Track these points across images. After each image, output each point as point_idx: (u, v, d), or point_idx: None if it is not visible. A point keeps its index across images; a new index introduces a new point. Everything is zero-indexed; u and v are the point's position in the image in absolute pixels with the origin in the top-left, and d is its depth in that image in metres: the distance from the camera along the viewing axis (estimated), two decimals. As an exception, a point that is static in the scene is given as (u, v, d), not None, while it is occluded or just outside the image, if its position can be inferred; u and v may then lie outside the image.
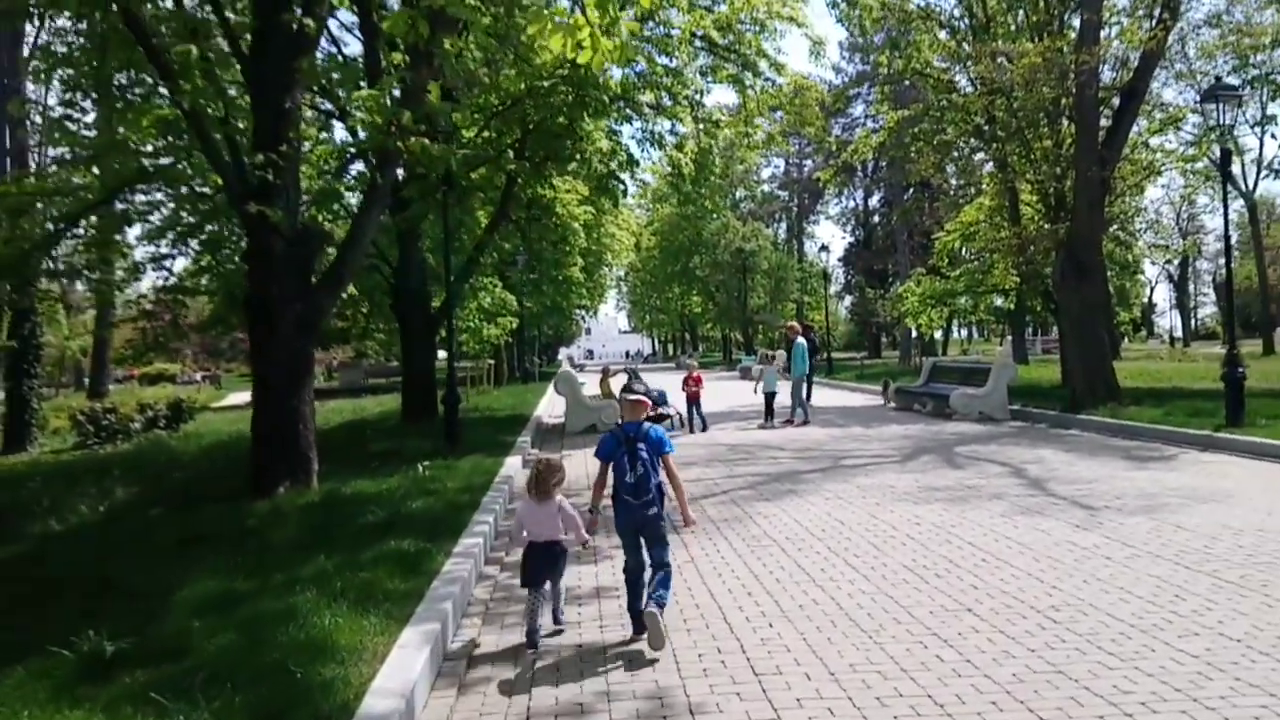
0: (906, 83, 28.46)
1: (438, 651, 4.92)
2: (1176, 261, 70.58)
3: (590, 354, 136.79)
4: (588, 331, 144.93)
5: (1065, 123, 21.17)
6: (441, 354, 19.92)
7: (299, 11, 9.17)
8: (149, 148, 10.09)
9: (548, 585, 5.57)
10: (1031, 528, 7.92)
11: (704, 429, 17.10)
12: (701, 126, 18.05)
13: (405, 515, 8.20)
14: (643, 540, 5.48)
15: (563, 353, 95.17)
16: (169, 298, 14.00)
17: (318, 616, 5.14)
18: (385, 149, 9.90)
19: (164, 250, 14.73)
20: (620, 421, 5.65)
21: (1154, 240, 36.00)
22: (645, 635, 5.16)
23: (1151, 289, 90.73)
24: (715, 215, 57.43)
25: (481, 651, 5.29)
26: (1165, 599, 5.76)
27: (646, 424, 5.52)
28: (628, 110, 15.73)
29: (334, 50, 16.36)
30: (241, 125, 9.74)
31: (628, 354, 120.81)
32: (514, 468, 11.76)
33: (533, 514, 5.59)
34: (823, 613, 5.72)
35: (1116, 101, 18.68)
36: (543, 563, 5.51)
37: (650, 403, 5.92)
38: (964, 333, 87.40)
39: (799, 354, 18.59)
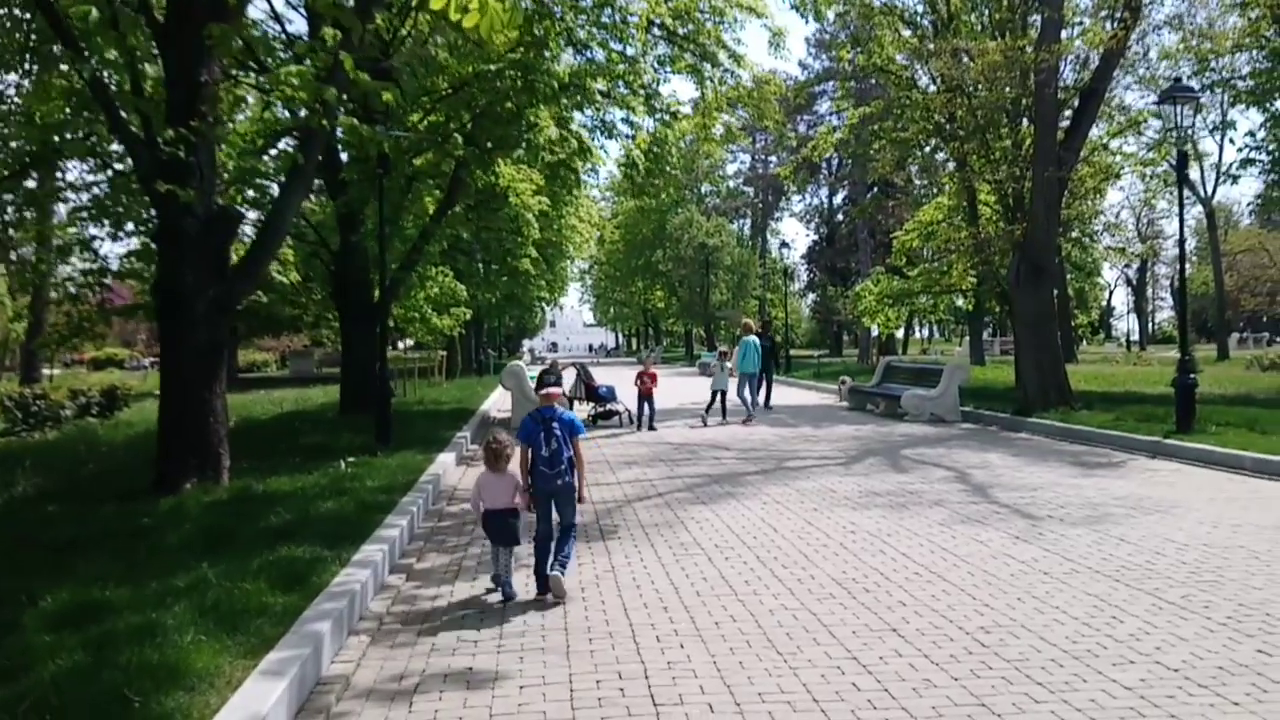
0: (871, 80, 28.28)
1: (306, 679, 4.45)
2: (1135, 265, 71.29)
3: (554, 346, 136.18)
4: (552, 324, 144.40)
5: (1025, 123, 21.00)
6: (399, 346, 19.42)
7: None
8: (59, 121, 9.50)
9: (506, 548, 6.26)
10: (970, 538, 7.60)
11: (651, 427, 16.65)
12: (657, 117, 17.62)
13: (313, 517, 7.72)
14: (554, 504, 6.24)
15: (525, 345, 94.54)
16: (94, 281, 13.36)
17: (180, 634, 4.66)
18: (308, 127, 9.38)
19: (94, 232, 14.12)
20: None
21: (1112, 243, 36.08)
22: (549, 595, 6.03)
23: (1110, 292, 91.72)
24: (674, 208, 57.18)
25: (359, 678, 4.84)
26: (1102, 621, 5.42)
27: (560, 409, 6.36)
28: (578, 98, 15.24)
29: (276, 27, 15.83)
30: (154, 99, 9.16)
31: (591, 347, 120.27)
32: (445, 465, 11.28)
33: (490, 485, 6.29)
34: (739, 631, 5.33)
35: (1076, 102, 18.49)
36: (502, 527, 6.24)
37: (560, 394, 6.54)
38: (925, 332, 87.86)
39: (744, 351, 18.40)
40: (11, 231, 12.31)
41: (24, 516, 8.19)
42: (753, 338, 18.89)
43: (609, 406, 17.64)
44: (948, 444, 13.99)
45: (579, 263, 67.47)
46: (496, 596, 6.17)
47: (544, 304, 51.29)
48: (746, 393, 18.16)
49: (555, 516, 6.24)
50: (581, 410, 18.47)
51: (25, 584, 5.77)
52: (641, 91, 16.42)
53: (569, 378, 18.92)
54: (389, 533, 7.20)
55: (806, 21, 16.06)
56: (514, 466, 6.29)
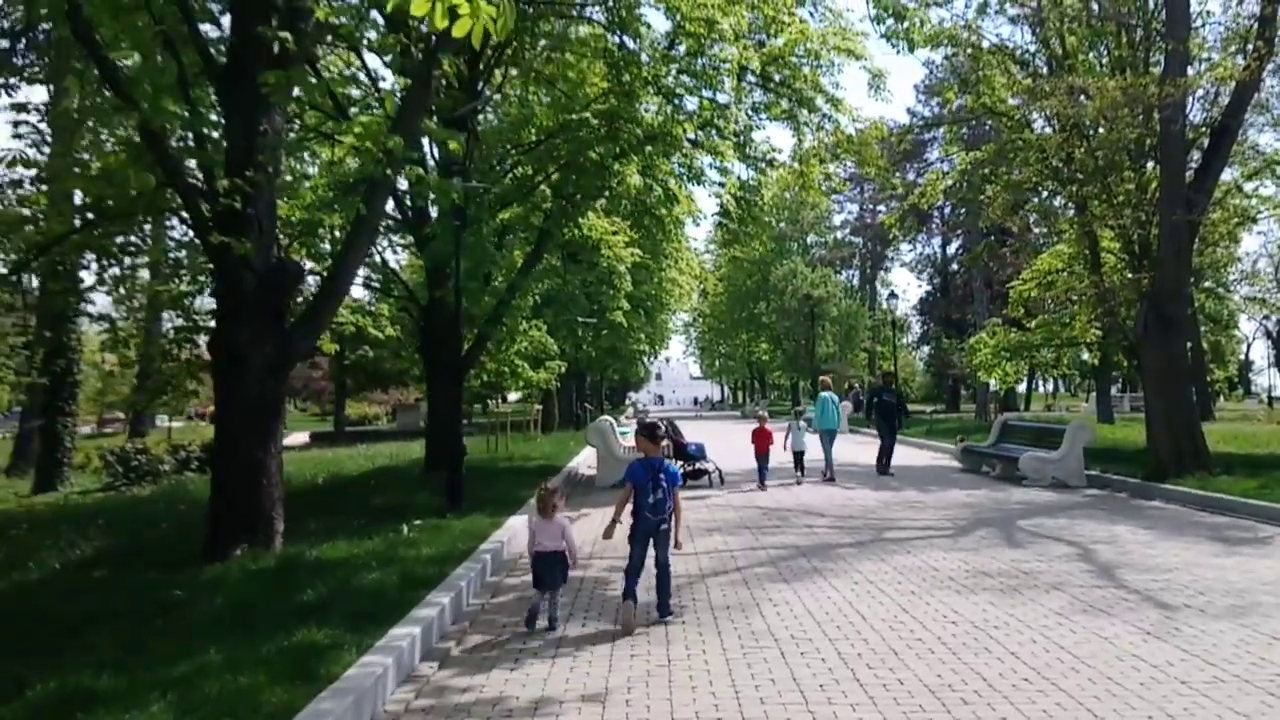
0: (984, 125, 27.09)
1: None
2: (1275, 317, 66.83)
3: (660, 399, 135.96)
4: (658, 377, 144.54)
5: (1150, 165, 19.57)
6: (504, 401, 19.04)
7: (278, 27, 8.38)
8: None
9: (551, 590, 6.91)
10: (1092, 633, 6.50)
11: (762, 486, 16.01)
12: (749, 164, 16.98)
13: (353, 590, 7.14)
14: (652, 542, 7.01)
15: (630, 397, 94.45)
16: (180, 337, 13.33)
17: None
18: (373, 178, 9.01)
19: (184, 288, 14.16)
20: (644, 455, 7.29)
21: (1250, 293, 33.57)
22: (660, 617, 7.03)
23: (1248, 345, 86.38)
24: (779, 259, 56.24)
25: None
26: (1261, 757, 4.36)
27: (666, 460, 7.22)
28: (665, 145, 14.68)
29: (363, 78, 15.82)
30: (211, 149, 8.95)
31: (696, 400, 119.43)
32: (514, 529, 10.62)
33: (542, 529, 6.98)
34: (803, 756, 4.46)
35: (1206, 142, 17.05)
36: (548, 569, 6.87)
37: (664, 443, 7.55)
38: (1049, 386, 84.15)
39: (822, 408, 18.22)
40: (101, 288, 12.31)
41: (58, 584, 7.87)
42: (830, 393, 18.69)
43: (698, 465, 16.77)
44: (1070, 513, 12.68)
45: (681, 315, 67.12)
46: (527, 684, 5.44)
47: (644, 357, 50.82)
48: (831, 450, 17.76)
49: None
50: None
51: (24, 665, 5.31)
52: (733, 137, 15.78)
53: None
54: (426, 612, 6.54)
55: (899, 52, 15.20)
56: (560, 515, 7.05)
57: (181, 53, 8.87)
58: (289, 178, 9.99)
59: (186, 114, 8.64)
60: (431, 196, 15.48)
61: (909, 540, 10.60)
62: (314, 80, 8.26)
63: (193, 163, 8.90)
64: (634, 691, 5.45)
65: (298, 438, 43.00)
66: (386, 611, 6.47)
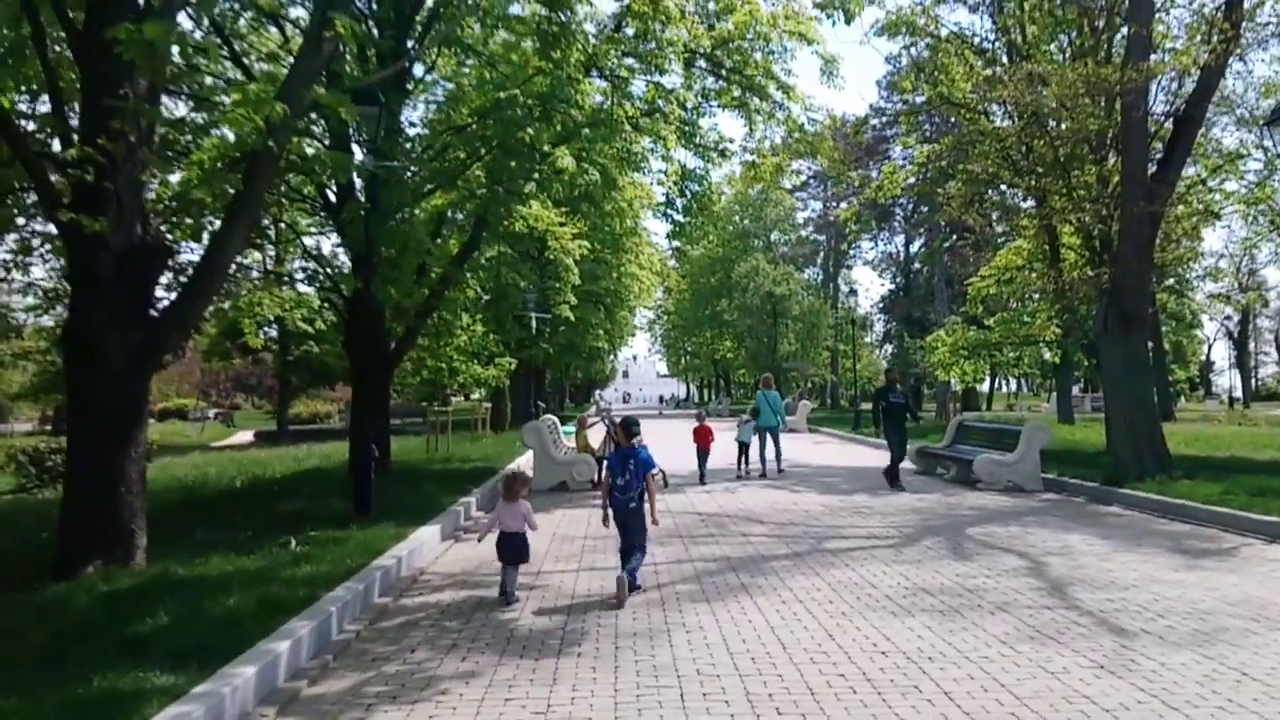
0: (944, 119, 26.49)
1: None
2: (1236, 318, 67.17)
3: (626, 398, 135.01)
4: (625, 375, 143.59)
5: (1111, 158, 18.99)
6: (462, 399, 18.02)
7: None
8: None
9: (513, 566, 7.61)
10: (1038, 666, 5.72)
11: (701, 480, 16.49)
12: (695, 151, 16.15)
13: (202, 617, 6.21)
14: (625, 527, 7.77)
15: (596, 394, 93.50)
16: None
17: None
18: (254, 151, 8.06)
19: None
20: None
21: (1215, 289, 33.18)
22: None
23: (1209, 346, 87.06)
24: (736, 253, 55.59)
25: None
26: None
27: (639, 447, 7.91)
28: (604, 130, 13.79)
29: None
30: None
31: (661, 398, 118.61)
32: (422, 541, 9.71)
33: (505, 511, 7.65)
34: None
35: (1170, 131, 16.45)
36: (512, 548, 7.57)
37: (634, 439, 7.98)
38: (1011, 386, 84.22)
39: (760, 405, 18.08)
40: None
41: None
42: (772, 391, 18.50)
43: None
44: (1023, 520, 11.96)
45: (645, 312, 66.34)
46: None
47: (605, 354, 49.91)
48: (769, 450, 17.92)
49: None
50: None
51: None
52: (677, 122, 14.94)
53: (598, 435, 17.34)
54: (275, 645, 5.63)
55: (834, 23, 14.44)
56: (524, 501, 7.75)
57: (40, 9, 7.94)
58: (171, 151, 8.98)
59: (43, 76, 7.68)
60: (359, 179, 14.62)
61: (849, 551, 9.81)
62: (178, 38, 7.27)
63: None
64: (495, 748, 4.59)
65: (242, 436, 41.82)
66: (230, 645, 5.56)
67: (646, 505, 7.81)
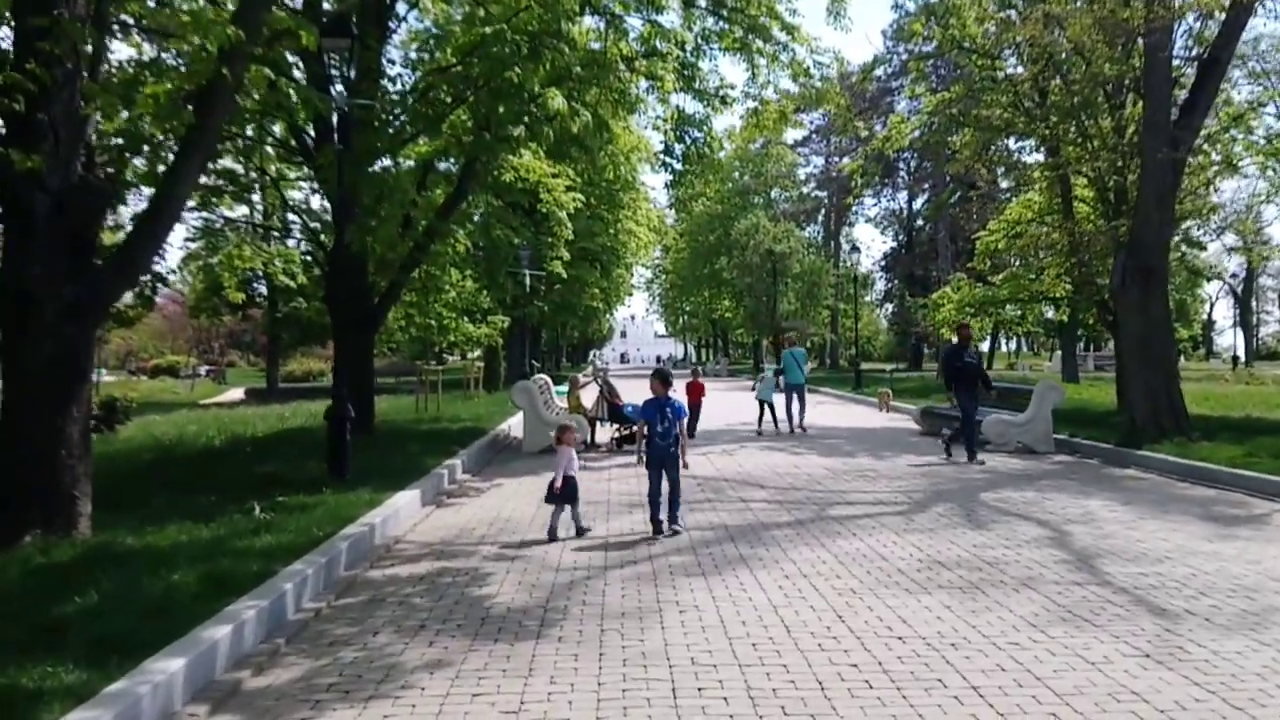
0: (953, 68, 25.51)
1: None
2: (1241, 275, 66.32)
3: (624, 358, 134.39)
4: (623, 334, 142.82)
5: (1129, 104, 18.15)
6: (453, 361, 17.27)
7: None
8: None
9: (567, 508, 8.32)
10: (1075, 654, 5.08)
11: (690, 434, 15.60)
12: (695, 96, 15.26)
13: (140, 595, 5.55)
14: (664, 468, 8.36)
15: (592, 354, 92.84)
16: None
17: None
18: (208, 81, 7.28)
19: None
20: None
21: (1234, 243, 32.29)
22: (660, 537, 8.22)
23: (1211, 305, 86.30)
24: (735, 210, 54.62)
25: None
26: None
27: (673, 397, 8.52)
28: (598, 70, 12.92)
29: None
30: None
31: (659, 358, 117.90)
32: (399, 508, 9.06)
33: (561, 456, 8.34)
34: None
35: (1192, 79, 15.60)
36: (572, 489, 8.28)
37: (668, 390, 8.58)
38: (1012, 345, 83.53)
39: (787, 363, 18.44)
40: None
41: None
42: (799, 349, 18.99)
43: (634, 428, 15.26)
44: (1039, 485, 11.33)
45: (642, 271, 65.43)
46: None
47: (599, 314, 49.06)
48: (794, 406, 18.05)
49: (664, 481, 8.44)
50: (604, 432, 16.21)
51: None
52: (675, 63, 14.07)
53: (590, 395, 16.68)
54: (214, 632, 4.98)
55: None
56: (569, 447, 8.45)
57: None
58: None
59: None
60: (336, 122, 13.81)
61: (856, 519, 9.16)
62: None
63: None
64: (454, 757, 3.94)
65: (233, 394, 41.12)
66: (163, 631, 4.91)
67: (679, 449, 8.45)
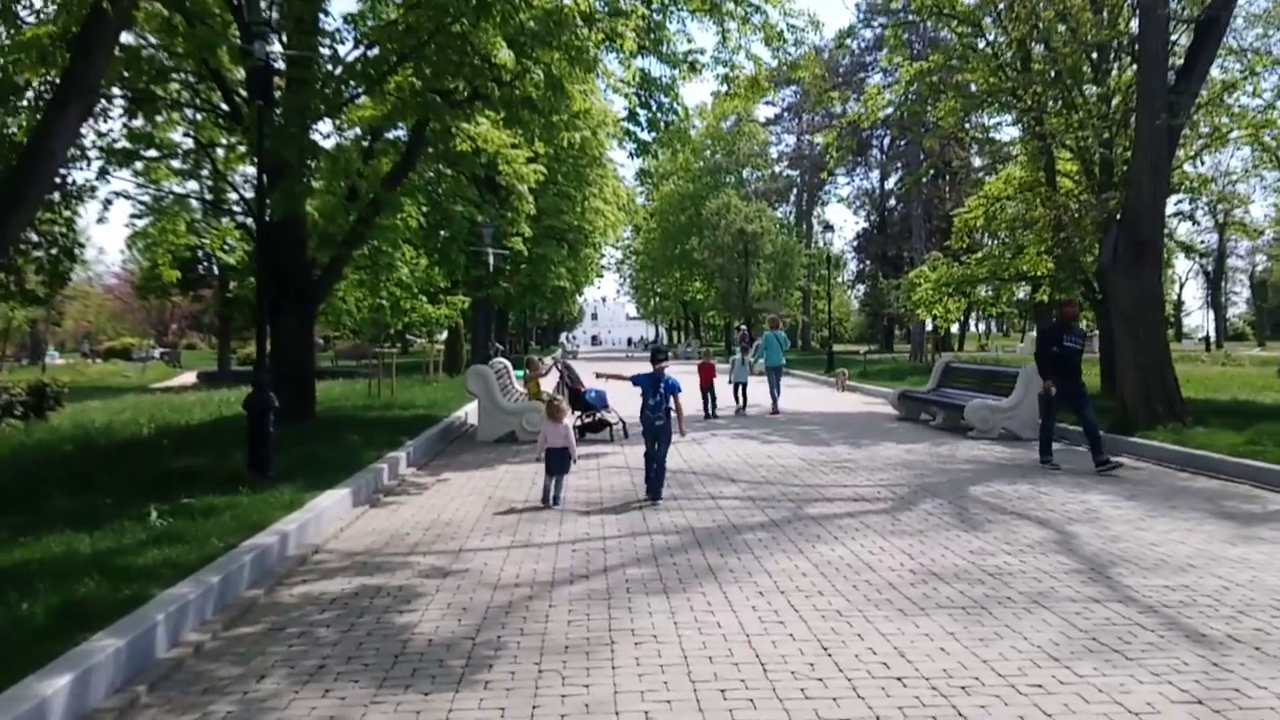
0: (933, 35, 24.63)
1: None
2: (1212, 256, 66.21)
3: (595, 340, 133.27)
4: (594, 317, 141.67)
5: (1115, 72, 17.32)
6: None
7: None
8: None
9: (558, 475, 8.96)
10: (1112, 699, 4.16)
11: (710, 414, 17.21)
12: (660, 58, 14.23)
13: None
14: (655, 439, 9.03)
15: (562, 337, 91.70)
16: None
17: None
18: (86, 24, 6.18)
19: None
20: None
21: (1236, 216, 31.56)
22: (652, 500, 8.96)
23: (1180, 286, 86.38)
24: (706, 189, 53.65)
25: None
26: None
27: (666, 372, 9.21)
28: (552, 23, 11.84)
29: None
30: None
31: (630, 341, 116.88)
32: (323, 510, 8.02)
33: (552, 430, 9.05)
34: None
35: (1188, 42, 14.77)
36: (556, 461, 8.96)
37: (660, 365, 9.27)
38: (982, 327, 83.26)
39: (767, 345, 18.74)
40: None
41: None
42: (781, 331, 19.31)
43: (598, 416, 14.27)
44: (1031, 477, 10.46)
45: (612, 251, 64.29)
46: None
47: (568, 295, 47.89)
48: (778, 387, 18.45)
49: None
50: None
51: None
52: (637, 19, 13.00)
53: (551, 380, 15.68)
54: (46, 686, 3.93)
55: None
56: (567, 420, 9.50)
57: None
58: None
59: None
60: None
61: (836, 519, 8.24)
62: None
63: None
64: None
65: (186, 378, 39.72)
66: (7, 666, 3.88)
67: (673, 419, 9.09)
